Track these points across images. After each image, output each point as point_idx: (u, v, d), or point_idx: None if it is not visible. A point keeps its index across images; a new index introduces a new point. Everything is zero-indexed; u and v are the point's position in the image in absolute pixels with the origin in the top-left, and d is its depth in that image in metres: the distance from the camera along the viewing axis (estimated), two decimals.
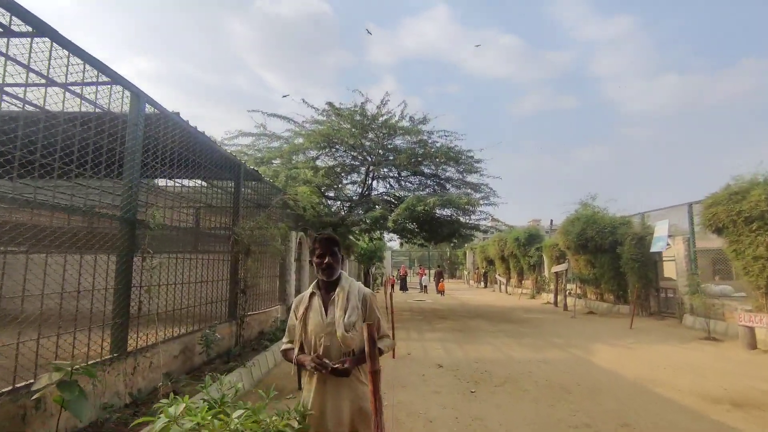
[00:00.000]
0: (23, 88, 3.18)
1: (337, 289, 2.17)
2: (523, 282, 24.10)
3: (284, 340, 2.32)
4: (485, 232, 17.83)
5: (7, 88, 3.11)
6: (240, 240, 6.78)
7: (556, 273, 16.73)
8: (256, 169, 8.27)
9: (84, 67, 3.57)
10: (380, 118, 13.89)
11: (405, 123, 14.27)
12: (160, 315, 4.73)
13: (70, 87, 3.60)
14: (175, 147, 5.10)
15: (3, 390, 2.82)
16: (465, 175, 14.70)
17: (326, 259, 2.14)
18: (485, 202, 14.15)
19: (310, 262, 2.25)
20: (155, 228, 4.31)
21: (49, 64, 3.18)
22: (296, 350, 2.15)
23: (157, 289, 4.66)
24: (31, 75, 3.21)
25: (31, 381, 2.94)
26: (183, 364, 5.08)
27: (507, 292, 24.76)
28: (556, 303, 16.70)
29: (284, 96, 66.30)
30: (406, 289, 27.18)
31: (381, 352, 2.19)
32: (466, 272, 40.08)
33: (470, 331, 10.38)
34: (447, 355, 7.70)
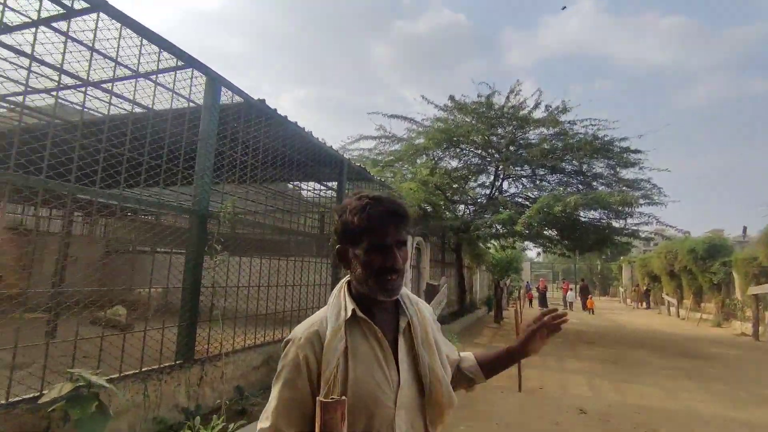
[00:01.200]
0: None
1: (410, 310, 1.09)
2: (702, 305, 19.22)
3: None
4: (648, 240, 14.55)
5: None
6: None
7: (755, 296, 12.66)
8: (362, 166, 7.70)
9: (141, 43, 3.24)
10: (509, 109, 12.32)
11: (540, 113, 12.43)
12: (240, 319, 4.29)
13: (118, 63, 3.33)
14: (260, 139, 4.69)
15: (20, 398, 2.48)
16: (618, 169, 12.10)
17: (393, 260, 1.01)
18: (646, 201, 11.33)
19: (339, 253, 1.08)
20: (225, 222, 3.87)
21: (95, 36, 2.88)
22: None
23: (235, 291, 4.24)
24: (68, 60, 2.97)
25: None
26: (265, 376, 4.57)
27: (679, 316, 20.05)
28: (756, 335, 12.59)
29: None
30: (546, 306, 24.22)
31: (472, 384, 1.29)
32: (621, 289, 34.35)
33: (629, 365, 8.11)
34: (593, 395, 5.89)
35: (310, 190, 7.19)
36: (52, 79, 2.86)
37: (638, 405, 5.44)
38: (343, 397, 0.71)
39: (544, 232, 12.74)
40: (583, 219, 11.90)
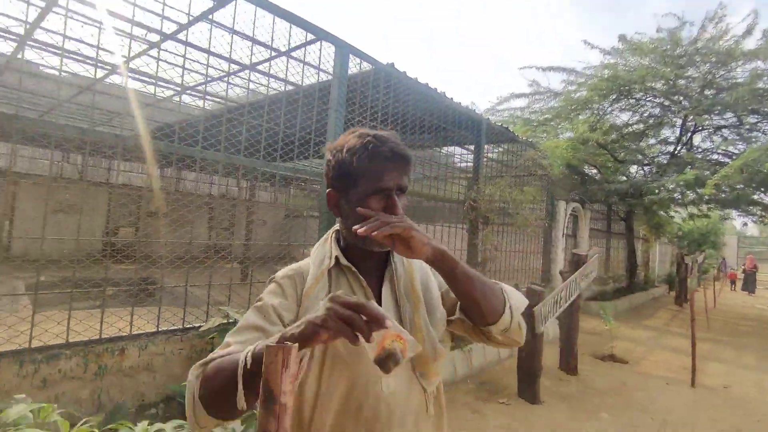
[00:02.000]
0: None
1: (396, 263, 1.01)
2: None
3: (220, 352, 0.83)
4: None
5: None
6: (476, 207, 5.98)
7: None
8: (508, 127, 7.15)
9: (273, 21, 3.54)
10: (706, 42, 9.82)
11: (754, 43, 9.60)
12: None
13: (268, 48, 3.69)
14: (389, 103, 4.75)
15: (191, 326, 3.11)
16: None
17: (393, 207, 0.90)
18: None
19: (330, 198, 0.99)
20: None
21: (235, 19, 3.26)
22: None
23: None
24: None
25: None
26: None
27: None
28: None
29: None
30: (753, 290, 19.35)
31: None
32: None
33: None
34: None
35: (455, 156, 7.08)
36: (201, 63, 3.40)
37: None
38: (292, 345, 0.66)
39: (754, 196, 10.05)
40: None
